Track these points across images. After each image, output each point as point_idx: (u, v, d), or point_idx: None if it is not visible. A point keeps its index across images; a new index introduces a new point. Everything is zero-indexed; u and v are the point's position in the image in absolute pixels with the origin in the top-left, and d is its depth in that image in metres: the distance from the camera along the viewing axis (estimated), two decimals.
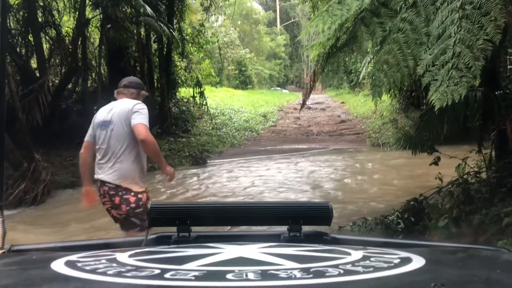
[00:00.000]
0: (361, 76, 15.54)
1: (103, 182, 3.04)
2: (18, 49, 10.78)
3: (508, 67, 9.76)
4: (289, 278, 0.62)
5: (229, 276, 0.63)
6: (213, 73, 25.52)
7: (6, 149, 6.54)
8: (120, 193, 2.99)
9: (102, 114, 3.15)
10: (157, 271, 0.66)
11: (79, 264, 0.71)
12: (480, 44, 2.82)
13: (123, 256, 0.77)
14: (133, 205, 2.99)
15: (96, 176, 3.11)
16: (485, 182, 4.50)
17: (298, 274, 0.63)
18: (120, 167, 3.00)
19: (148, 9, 10.87)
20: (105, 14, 11.34)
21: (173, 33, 12.87)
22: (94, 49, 13.29)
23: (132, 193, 3.00)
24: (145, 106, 3.08)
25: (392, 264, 0.70)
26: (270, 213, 1.13)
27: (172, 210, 1.11)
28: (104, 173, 3.04)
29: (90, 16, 12.26)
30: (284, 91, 40.67)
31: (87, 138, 3.21)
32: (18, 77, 10.29)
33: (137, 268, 0.68)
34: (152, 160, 3.25)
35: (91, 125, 3.22)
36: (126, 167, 3.01)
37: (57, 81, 11.40)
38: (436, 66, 2.96)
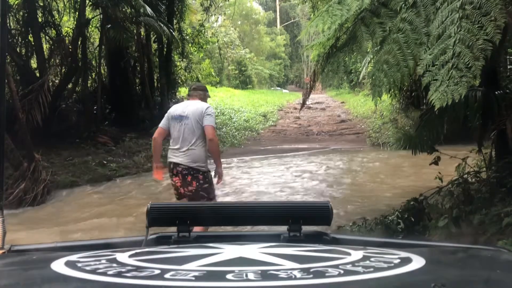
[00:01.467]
0: (361, 76, 15.52)
1: (177, 164, 3.80)
2: (18, 49, 10.77)
3: (508, 67, 9.75)
4: (289, 278, 0.62)
5: (229, 276, 0.63)
6: (213, 73, 25.53)
7: (6, 149, 6.54)
8: (191, 173, 3.77)
9: (179, 109, 3.94)
10: (157, 271, 0.66)
11: (79, 264, 0.71)
12: (480, 44, 2.82)
13: (123, 256, 0.77)
14: (201, 181, 3.79)
15: (170, 160, 3.87)
16: (485, 182, 4.50)
17: (298, 274, 0.63)
18: (192, 153, 3.78)
19: (148, 9, 10.86)
20: (105, 14, 11.34)
21: (173, 33, 12.86)
22: (94, 49, 13.28)
23: (200, 172, 3.79)
24: (213, 109, 3.96)
25: (392, 264, 0.70)
26: (270, 213, 1.13)
27: (172, 210, 1.11)
28: (178, 157, 3.81)
29: (90, 16, 12.25)
30: (284, 91, 40.67)
31: (162, 125, 3.98)
32: (18, 77, 10.29)
33: (137, 268, 0.68)
34: (211, 156, 3.95)
35: (166, 117, 3.98)
36: (196, 153, 3.79)
37: (57, 81, 11.38)
38: (436, 66, 2.96)
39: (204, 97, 4.05)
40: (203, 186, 3.80)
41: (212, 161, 4.01)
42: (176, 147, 3.84)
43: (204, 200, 3.76)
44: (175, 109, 3.96)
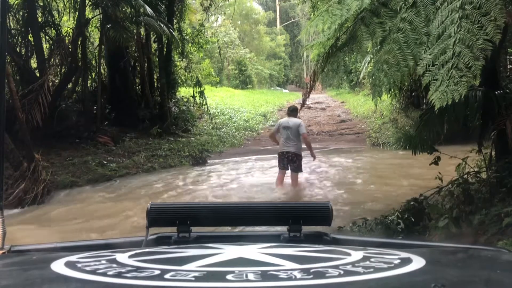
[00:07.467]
0: (361, 76, 15.52)
1: (289, 152, 6.91)
2: (18, 49, 10.76)
3: (508, 67, 9.76)
4: (289, 278, 0.62)
5: (229, 276, 0.63)
6: (213, 73, 25.51)
7: (6, 149, 6.54)
8: (296, 156, 6.93)
9: (284, 122, 7.05)
10: (157, 272, 0.66)
11: (79, 265, 0.71)
12: (480, 44, 2.82)
13: (123, 257, 0.77)
14: (300, 160, 7.01)
15: (283, 150, 6.98)
16: (485, 182, 4.50)
17: (298, 275, 0.63)
18: (296, 146, 6.91)
19: (148, 9, 10.86)
20: (105, 14, 11.33)
21: (173, 33, 12.85)
22: (94, 49, 13.27)
23: (300, 156, 7.00)
24: (304, 123, 7.19)
25: (392, 265, 0.70)
26: (270, 213, 1.13)
27: (172, 210, 1.11)
28: (289, 148, 6.89)
29: (90, 16, 12.25)
30: (284, 90, 40.71)
31: (274, 130, 7.34)
32: (18, 77, 10.28)
33: (137, 269, 0.68)
34: (307, 147, 7.20)
35: (277, 126, 7.22)
36: (298, 146, 6.93)
37: (57, 81, 11.37)
38: (436, 65, 2.96)
39: (296, 115, 7.17)
40: (300, 162, 6.99)
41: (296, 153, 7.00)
42: (285, 143, 6.90)
43: (299, 172, 7.11)
44: (283, 122, 7.09)
